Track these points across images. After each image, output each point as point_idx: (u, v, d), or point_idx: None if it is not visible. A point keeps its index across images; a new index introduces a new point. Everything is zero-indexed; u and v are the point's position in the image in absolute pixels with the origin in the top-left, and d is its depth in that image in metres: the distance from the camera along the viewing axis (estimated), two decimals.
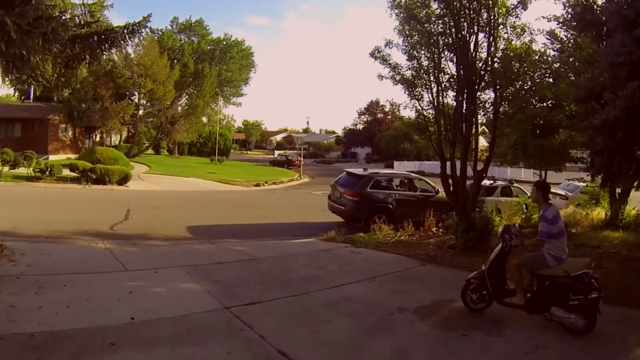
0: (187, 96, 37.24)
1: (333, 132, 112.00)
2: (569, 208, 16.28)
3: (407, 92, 10.11)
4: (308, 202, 19.08)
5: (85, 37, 7.38)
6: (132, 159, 35.28)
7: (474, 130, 9.88)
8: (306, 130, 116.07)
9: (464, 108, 9.47)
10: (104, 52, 7.12)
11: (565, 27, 12.68)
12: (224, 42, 46.69)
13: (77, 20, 7.70)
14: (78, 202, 15.57)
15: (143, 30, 7.33)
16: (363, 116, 60.46)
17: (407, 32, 10.02)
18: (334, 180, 14.33)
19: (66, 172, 21.36)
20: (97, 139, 37.27)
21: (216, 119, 67.24)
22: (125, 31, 6.96)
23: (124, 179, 21.41)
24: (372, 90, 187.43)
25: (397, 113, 50.38)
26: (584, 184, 16.69)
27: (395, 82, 10.15)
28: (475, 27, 9.02)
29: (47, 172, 20.40)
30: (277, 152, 66.12)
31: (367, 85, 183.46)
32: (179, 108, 35.74)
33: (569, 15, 9.70)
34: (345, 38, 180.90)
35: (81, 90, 8.96)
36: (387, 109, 59.22)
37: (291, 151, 66.65)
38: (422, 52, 9.84)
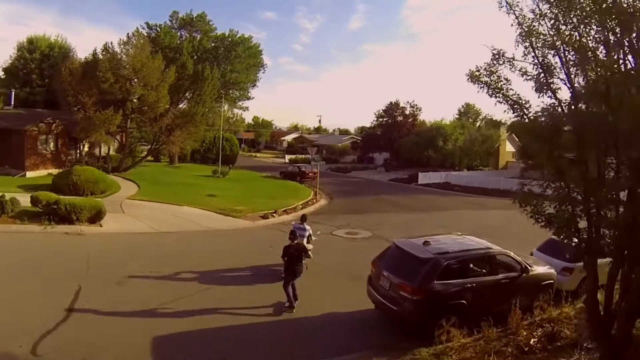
0: (185, 101, 32.65)
1: (347, 132, 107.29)
2: None
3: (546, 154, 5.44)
4: (331, 255, 14.54)
5: None
6: (124, 173, 31.05)
7: None
8: (318, 129, 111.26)
9: None
10: None
11: None
12: (229, 39, 41.52)
13: None
14: (15, 269, 11.20)
15: None
16: (382, 119, 55.49)
17: (536, 41, 5.35)
18: (377, 257, 9.70)
19: (27, 201, 17.13)
20: (85, 149, 33.01)
21: (223, 123, 62.91)
22: None
23: (96, 216, 17.09)
24: (387, 86, 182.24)
25: (419, 115, 45.42)
26: None
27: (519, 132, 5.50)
28: None
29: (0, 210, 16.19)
30: (287, 157, 61.66)
31: (381, 81, 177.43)
32: (176, 115, 31.12)
33: None
34: (358, 32, 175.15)
35: None
36: (407, 112, 54.47)
37: (303, 155, 62.16)
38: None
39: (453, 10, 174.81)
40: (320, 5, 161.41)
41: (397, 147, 49.98)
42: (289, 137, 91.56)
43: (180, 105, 34.01)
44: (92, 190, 22.58)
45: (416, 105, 54.45)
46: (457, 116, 72.24)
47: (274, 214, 21.02)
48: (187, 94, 31.12)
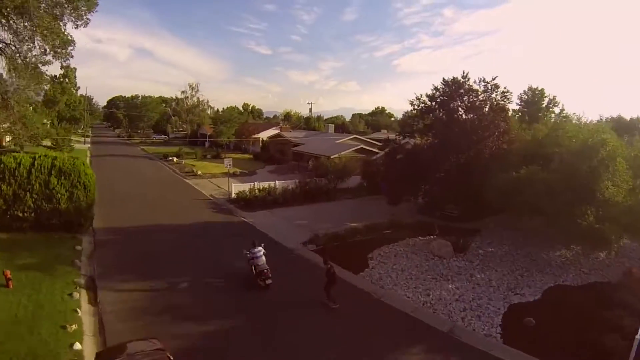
0: None
1: (343, 125, 77.92)
2: None
3: None
4: None
5: None
6: None
7: None
8: (307, 120, 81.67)
9: None
10: None
11: None
12: None
13: None
14: None
15: None
16: (429, 114, 25.84)
17: None
18: None
19: None
20: None
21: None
22: None
23: None
24: (386, 76, 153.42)
25: (508, 108, 15.90)
26: None
27: None
28: None
29: None
30: (235, 187, 32.60)
31: (377, 68, 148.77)
32: None
33: None
34: (358, 20, 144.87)
35: None
36: (481, 97, 24.93)
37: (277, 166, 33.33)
38: None
39: (442, 4, 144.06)
40: None
41: (487, 184, 20.66)
42: (265, 134, 62.20)
43: None
44: None
45: (495, 84, 24.92)
46: (520, 104, 43.24)
47: None
48: None
